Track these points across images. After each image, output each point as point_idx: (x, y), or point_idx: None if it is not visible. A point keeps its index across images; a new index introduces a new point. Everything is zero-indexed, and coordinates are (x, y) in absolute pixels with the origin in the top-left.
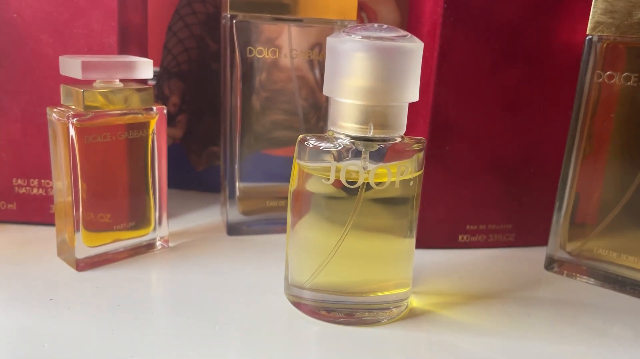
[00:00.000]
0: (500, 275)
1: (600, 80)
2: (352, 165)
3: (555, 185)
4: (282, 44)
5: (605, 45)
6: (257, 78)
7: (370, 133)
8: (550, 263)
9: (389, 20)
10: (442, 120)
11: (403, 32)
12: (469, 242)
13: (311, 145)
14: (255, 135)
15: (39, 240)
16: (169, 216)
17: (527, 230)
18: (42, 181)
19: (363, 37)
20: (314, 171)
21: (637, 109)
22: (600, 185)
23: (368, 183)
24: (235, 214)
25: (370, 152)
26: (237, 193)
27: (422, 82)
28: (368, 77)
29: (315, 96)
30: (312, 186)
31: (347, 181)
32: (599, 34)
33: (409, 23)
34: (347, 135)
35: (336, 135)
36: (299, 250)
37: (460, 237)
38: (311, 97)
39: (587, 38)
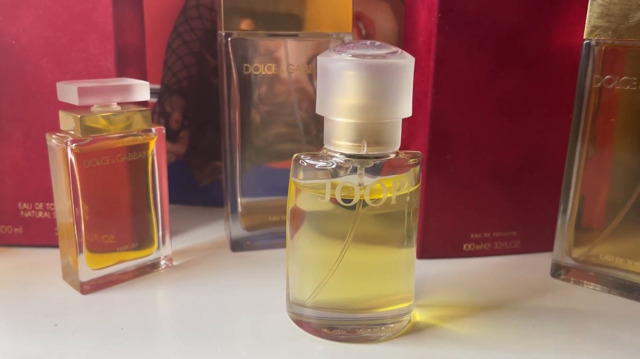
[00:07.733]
0: (506, 284)
1: (599, 85)
2: (347, 182)
3: (559, 189)
4: (278, 60)
5: (602, 49)
6: (255, 93)
7: (364, 151)
8: (557, 270)
9: (386, 30)
10: (441, 129)
11: (394, 49)
12: (474, 251)
13: (306, 164)
14: (256, 149)
15: (45, 263)
16: (174, 233)
17: (533, 236)
18: (47, 204)
19: (353, 56)
20: (309, 189)
21: (638, 113)
22: (606, 188)
23: (364, 200)
24: (238, 230)
25: (367, 167)
26: (240, 209)
27: (419, 91)
28: (359, 95)
29: (315, 108)
30: (308, 204)
31: (342, 199)
32: (596, 38)
33: (405, 33)
34: (341, 154)
35: (330, 153)
36: (299, 268)
37: (465, 246)
38: (311, 108)
39: (585, 42)
